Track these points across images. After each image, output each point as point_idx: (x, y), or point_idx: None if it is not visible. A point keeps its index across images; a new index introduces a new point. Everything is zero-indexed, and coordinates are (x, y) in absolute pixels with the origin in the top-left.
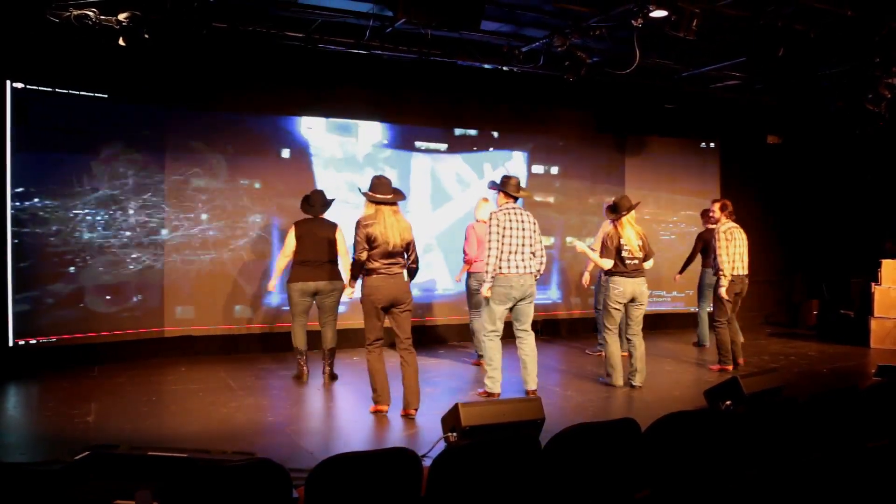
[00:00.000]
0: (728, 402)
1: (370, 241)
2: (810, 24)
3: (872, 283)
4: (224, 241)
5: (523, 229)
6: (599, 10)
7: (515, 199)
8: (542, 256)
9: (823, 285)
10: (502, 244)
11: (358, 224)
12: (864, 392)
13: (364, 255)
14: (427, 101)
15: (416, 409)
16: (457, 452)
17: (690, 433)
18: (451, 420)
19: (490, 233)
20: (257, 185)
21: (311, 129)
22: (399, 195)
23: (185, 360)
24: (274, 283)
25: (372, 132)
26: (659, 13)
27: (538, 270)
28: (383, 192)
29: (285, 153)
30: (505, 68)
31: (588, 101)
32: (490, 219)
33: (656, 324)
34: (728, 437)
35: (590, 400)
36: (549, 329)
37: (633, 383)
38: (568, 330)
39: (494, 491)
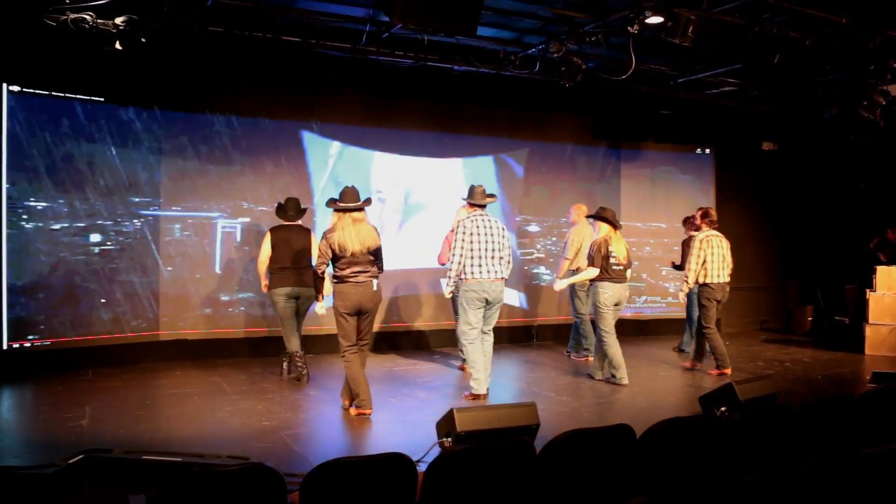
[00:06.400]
0: (723, 408)
1: (333, 250)
2: (806, 31)
3: (867, 290)
4: (219, 244)
5: (491, 235)
6: (596, 17)
7: (483, 207)
8: (509, 261)
9: (818, 292)
10: (472, 250)
11: (323, 235)
12: (859, 399)
13: (324, 266)
14: (423, 105)
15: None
16: (452, 458)
17: (685, 439)
18: (445, 425)
19: (456, 238)
20: (253, 190)
21: (309, 132)
22: (365, 202)
23: (179, 363)
24: (265, 283)
25: (367, 137)
26: (655, 19)
27: (506, 275)
28: (348, 202)
29: (282, 158)
30: (501, 73)
31: (584, 106)
32: (458, 226)
33: (651, 329)
34: (723, 444)
35: (585, 406)
36: (542, 334)
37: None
38: (563, 335)
39: (489, 497)
